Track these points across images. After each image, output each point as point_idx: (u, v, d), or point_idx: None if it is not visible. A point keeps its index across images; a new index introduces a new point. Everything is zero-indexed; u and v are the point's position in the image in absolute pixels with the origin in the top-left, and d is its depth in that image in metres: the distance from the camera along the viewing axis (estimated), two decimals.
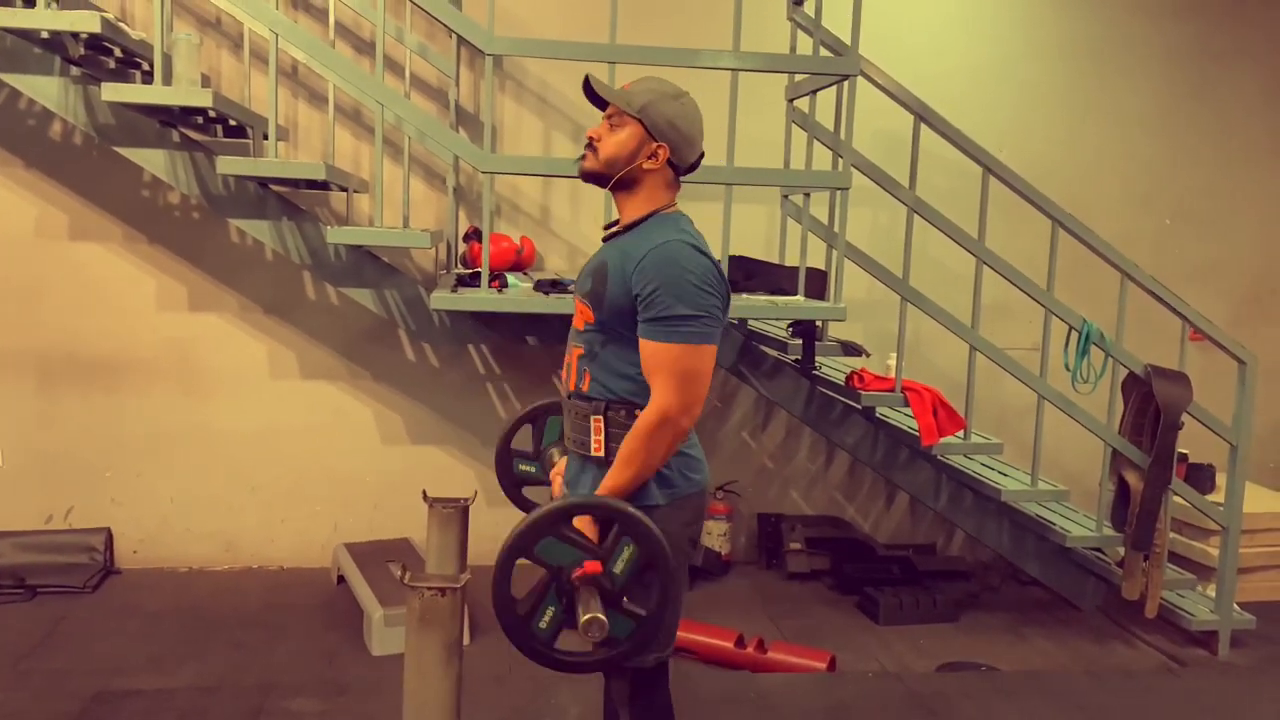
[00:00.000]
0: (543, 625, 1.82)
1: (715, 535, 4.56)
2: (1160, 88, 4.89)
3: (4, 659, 3.43)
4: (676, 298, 1.95)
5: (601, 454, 2.07)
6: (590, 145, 2.11)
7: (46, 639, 3.61)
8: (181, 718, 3.05)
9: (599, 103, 2.12)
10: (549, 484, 2.46)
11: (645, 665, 2.10)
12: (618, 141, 2.06)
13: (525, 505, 2.50)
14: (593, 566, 1.83)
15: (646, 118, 2.05)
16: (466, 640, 3.67)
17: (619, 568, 1.81)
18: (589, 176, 2.13)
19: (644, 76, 2.13)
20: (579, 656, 1.87)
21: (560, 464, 2.33)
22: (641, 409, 2.01)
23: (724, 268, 3.49)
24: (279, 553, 4.46)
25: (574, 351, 2.16)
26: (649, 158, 2.07)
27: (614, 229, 2.15)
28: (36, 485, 4.28)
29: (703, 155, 2.15)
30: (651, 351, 1.97)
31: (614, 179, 2.09)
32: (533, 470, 2.58)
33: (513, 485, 2.59)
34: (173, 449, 4.34)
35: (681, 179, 2.15)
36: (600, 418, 2.07)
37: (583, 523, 1.94)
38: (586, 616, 1.76)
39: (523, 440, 2.60)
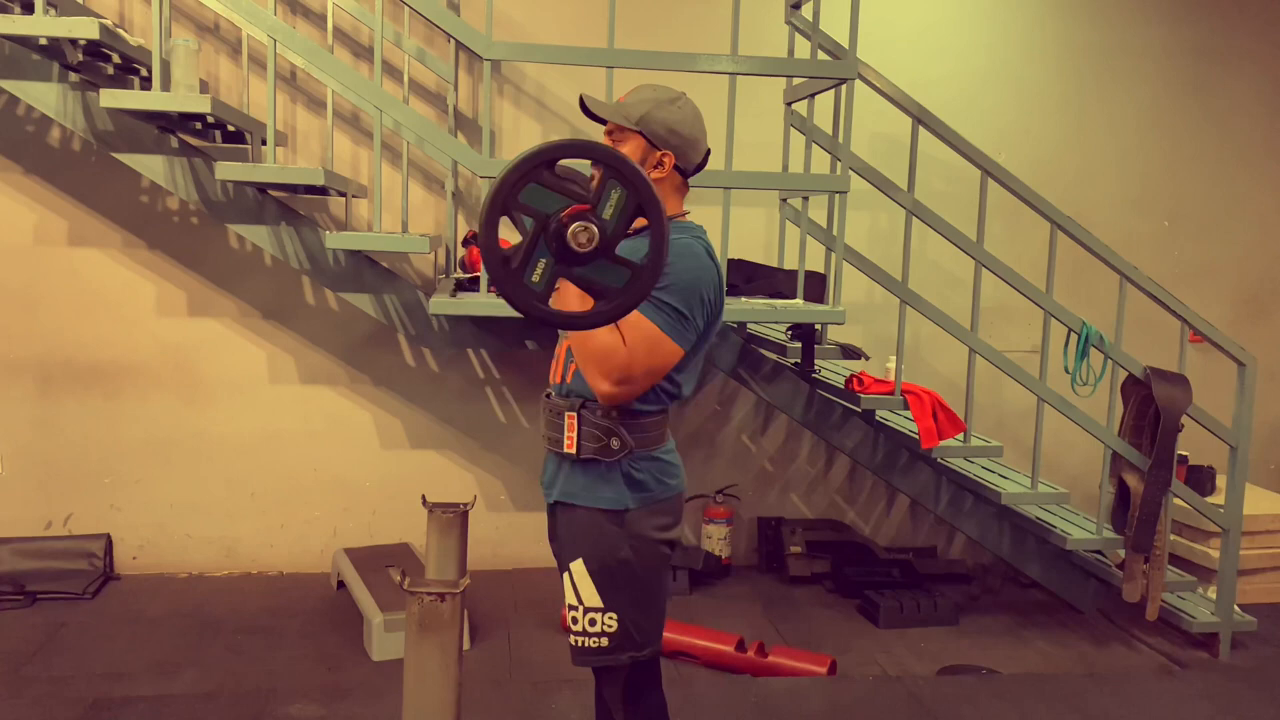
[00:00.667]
0: (535, 278, 1.72)
1: (715, 539, 4.56)
2: (1158, 90, 4.90)
3: (3, 665, 3.43)
4: (676, 289, 1.96)
5: (573, 451, 2.07)
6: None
7: (46, 645, 3.60)
8: None
9: (598, 120, 2.12)
10: (528, 246, 2.37)
11: (621, 664, 2.09)
12: None
13: (491, 242, 2.34)
14: (581, 207, 1.72)
15: (646, 128, 2.05)
16: (466, 645, 3.67)
17: (608, 212, 1.71)
18: None
19: (638, 85, 2.13)
20: (575, 316, 1.78)
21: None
22: (620, 409, 2.02)
23: (722, 270, 3.51)
24: (278, 558, 4.46)
25: (564, 344, 2.16)
26: (655, 167, 2.06)
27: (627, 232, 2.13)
28: (36, 491, 4.27)
29: (709, 153, 2.15)
30: (634, 317, 1.92)
31: None
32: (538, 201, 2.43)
33: (499, 208, 2.39)
34: (172, 455, 4.34)
35: (690, 180, 2.15)
36: (574, 414, 2.07)
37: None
38: (575, 225, 1.67)
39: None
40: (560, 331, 2.17)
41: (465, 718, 2.26)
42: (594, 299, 1.75)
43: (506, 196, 1.70)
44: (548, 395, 2.17)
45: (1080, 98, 4.85)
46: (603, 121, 2.12)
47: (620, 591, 2.07)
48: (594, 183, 1.72)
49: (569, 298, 1.88)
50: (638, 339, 1.95)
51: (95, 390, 4.27)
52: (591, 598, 2.07)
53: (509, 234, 1.78)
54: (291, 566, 4.46)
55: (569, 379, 2.11)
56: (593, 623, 2.07)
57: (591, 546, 2.07)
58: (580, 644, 2.09)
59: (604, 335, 1.94)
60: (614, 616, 2.06)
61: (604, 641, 2.07)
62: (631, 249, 1.99)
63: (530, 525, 4.60)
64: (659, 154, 2.06)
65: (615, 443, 2.05)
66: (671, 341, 1.98)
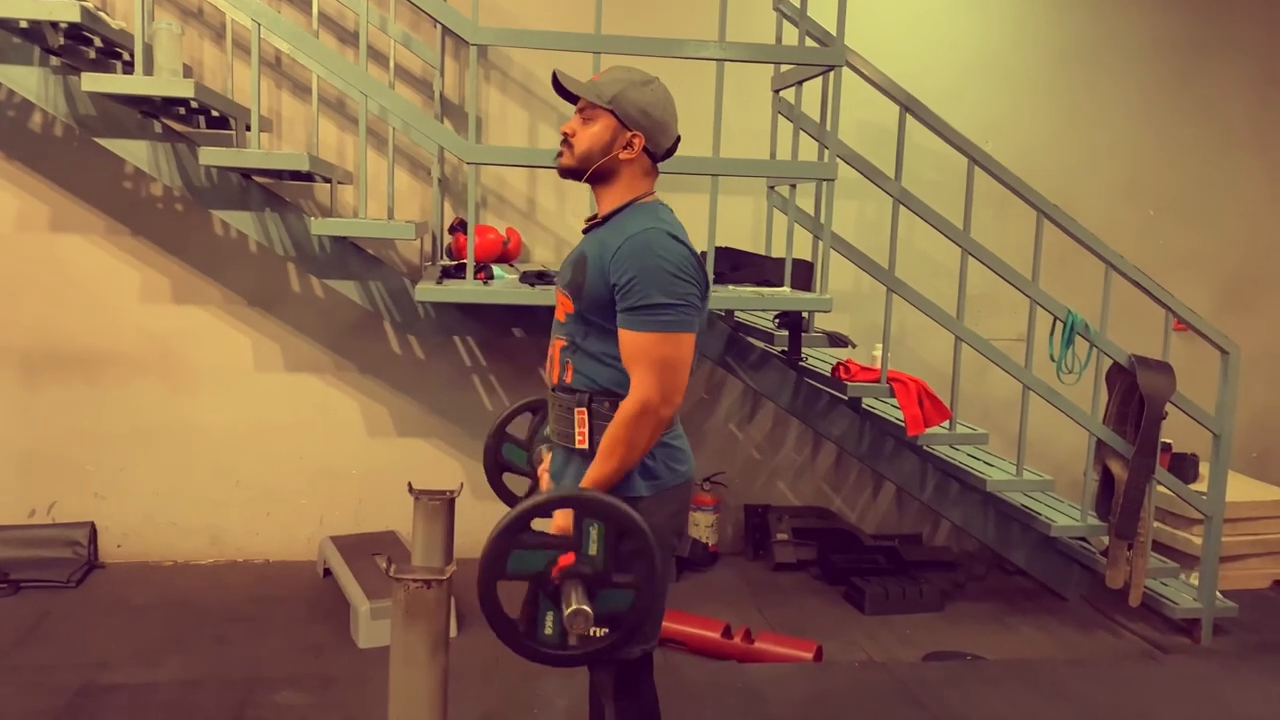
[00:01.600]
0: (548, 633, 1.83)
1: (702, 526, 4.57)
2: (1145, 79, 4.91)
3: None
4: (653, 286, 1.94)
5: (585, 446, 2.07)
6: (566, 141, 2.10)
7: (30, 634, 3.59)
8: (167, 712, 3.03)
9: (570, 97, 2.11)
10: (532, 477, 2.46)
11: (631, 656, 2.10)
12: (591, 134, 2.06)
13: (504, 493, 2.51)
14: (566, 559, 1.83)
15: (618, 108, 2.04)
16: (453, 632, 3.67)
17: (593, 549, 1.81)
18: (566, 173, 2.12)
19: (612, 66, 2.12)
20: (596, 644, 1.86)
21: (548, 459, 2.32)
22: (624, 399, 2.01)
23: (710, 258, 3.51)
24: (264, 546, 4.45)
25: (556, 344, 2.16)
26: (624, 148, 2.06)
27: (594, 221, 2.14)
28: (19, 480, 4.25)
29: (679, 140, 2.14)
30: (630, 341, 1.97)
31: (590, 172, 2.08)
32: (520, 459, 2.56)
33: (496, 469, 2.56)
34: (156, 443, 4.31)
35: (660, 165, 2.14)
36: (584, 410, 2.07)
37: (562, 517, 1.94)
38: (569, 610, 1.76)
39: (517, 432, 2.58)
40: (554, 329, 2.19)
41: (452, 705, 2.26)
42: (610, 628, 1.87)
43: (495, 574, 1.81)
44: (552, 391, 2.17)
45: (1069, 87, 4.85)
46: (574, 99, 2.11)
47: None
48: (559, 526, 1.86)
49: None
50: (652, 362, 1.96)
51: (79, 378, 4.24)
52: None
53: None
54: (278, 555, 4.45)
55: (569, 378, 2.11)
56: None
57: None
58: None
59: (631, 404, 1.96)
60: None
61: (604, 629, 2.05)
62: (598, 241, 2.04)
63: None
64: (629, 134, 2.05)
65: None
66: (678, 334, 1.97)
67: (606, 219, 2.09)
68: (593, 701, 2.35)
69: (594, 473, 1.98)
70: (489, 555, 1.78)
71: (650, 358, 1.96)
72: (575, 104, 2.11)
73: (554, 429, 2.17)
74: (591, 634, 1.87)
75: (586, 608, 1.77)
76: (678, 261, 1.97)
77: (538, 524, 1.88)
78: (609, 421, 2.02)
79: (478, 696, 3.19)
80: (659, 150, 2.10)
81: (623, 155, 2.06)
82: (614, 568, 1.84)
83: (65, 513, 4.29)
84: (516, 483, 2.57)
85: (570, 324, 2.10)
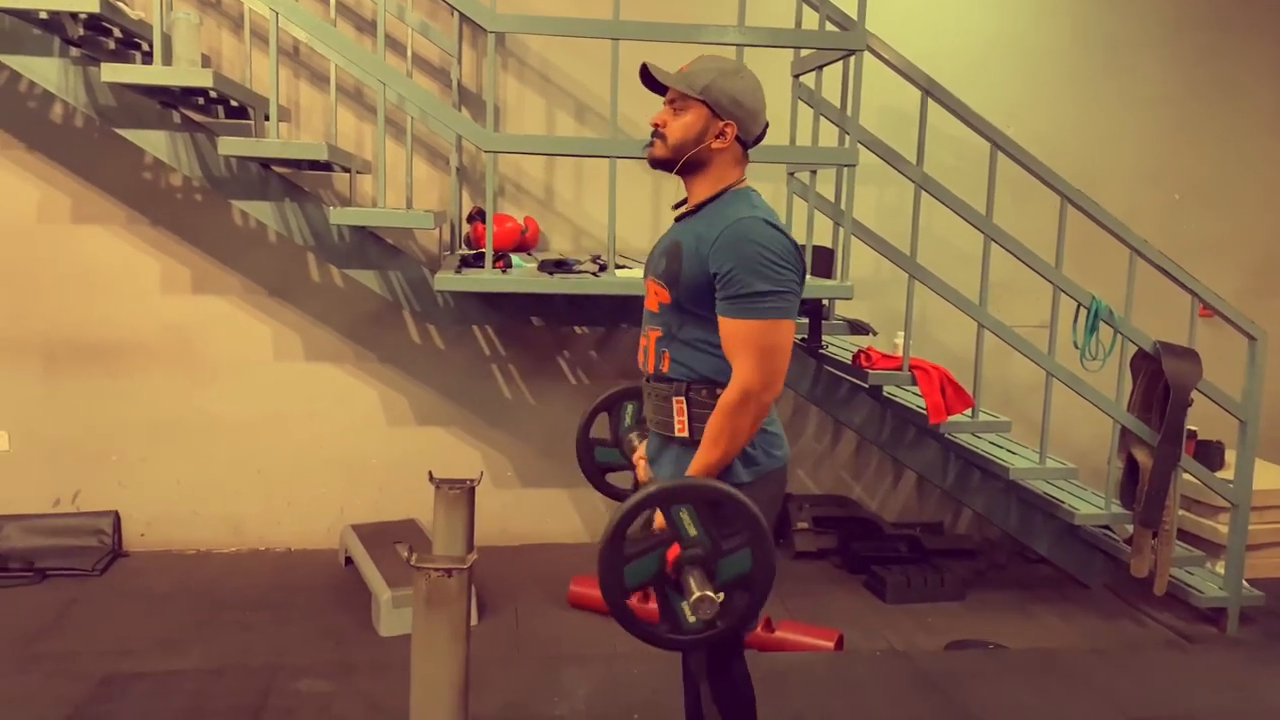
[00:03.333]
0: (692, 622, 1.84)
1: None
2: (1169, 60, 4.84)
3: (14, 641, 3.44)
4: (754, 274, 1.95)
5: (685, 434, 2.09)
6: (656, 133, 2.10)
7: (56, 621, 3.62)
8: (190, 699, 3.05)
9: (656, 88, 2.11)
10: (632, 468, 2.47)
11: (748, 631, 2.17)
12: (684, 125, 2.06)
13: (612, 492, 2.52)
14: (673, 552, 1.85)
15: (710, 97, 2.04)
16: (474, 621, 3.68)
17: (692, 531, 1.83)
18: (658, 164, 2.13)
19: (700, 56, 2.12)
20: (739, 610, 1.88)
21: (641, 447, 2.36)
22: (723, 387, 2.02)
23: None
24: (285, 535, 4.47)
25: (651, 334, 2.16)
26: (717, 137, 2.06)
27: (683, 209, 2.15)
28: (44, 469, 4.28)
29: (768, 125, 2.14)
30: (731, 329, 1.98)
31: (682, 162, 2.08)
32: (613, 457, 2.57)
33: (597, 474, 2.59)
34: (178, 432, 4.34)
35: (749, 152, 2.14)
36: (682, 399, 2.09)
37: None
38: (693, 599, 1.79)
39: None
40: (646, 320, 2.20)
41: (472, 693, 2.26)
42: (738, 598, 1.87)
43: (620, 594, 1.84)
44: (647, 380, 2.19)
45: (1091, 70, 4.79)
46: (661, 91, 2.11)
47: None
48: (659, 524, 1.88)
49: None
50: (755, 349, 1.97)
51: (100, 368, 4.27)
52: None
53: None
54: (299, 543, 4.47)
55: (665, 368, 2.12)
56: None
57: None
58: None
59: (733, 392, 1.97)
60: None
61: (760, 611, 2.09)
62: (694, 230, 2.05)
63: (537, 502, 4.60)
64: (721, 124, 2.06)
65: None
66: (780, 321, 1.99)
67: (699, 208, 2.10)
68: (686, 686, 2.37)
69: (699, 462, 2.00)
70: (606, 580, 1.82)
71: (752, 345, 1.97)
72: (662, 94, 2.12)
73: (651, 418, 2.19)
74: (727, 603, 1.89)
75: (708, 592, 1.79)
76: (777, 249, 1.98)
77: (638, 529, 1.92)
78: (707, 409, 2.04)
79: (498, 684, 3.20)
80: (750, 138, 2.11)
81: (715, 144, 2.06)
82: (720, 537, 1.85)
83: (90, 502, 4.32)
84: (620, 480, 2.60)
85: (666, 314, 2.11)
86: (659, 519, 1.95)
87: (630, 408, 2.55)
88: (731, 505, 1.85)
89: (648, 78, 2.09)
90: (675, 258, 2.06)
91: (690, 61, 2.11)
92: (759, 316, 1.96)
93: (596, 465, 2.58)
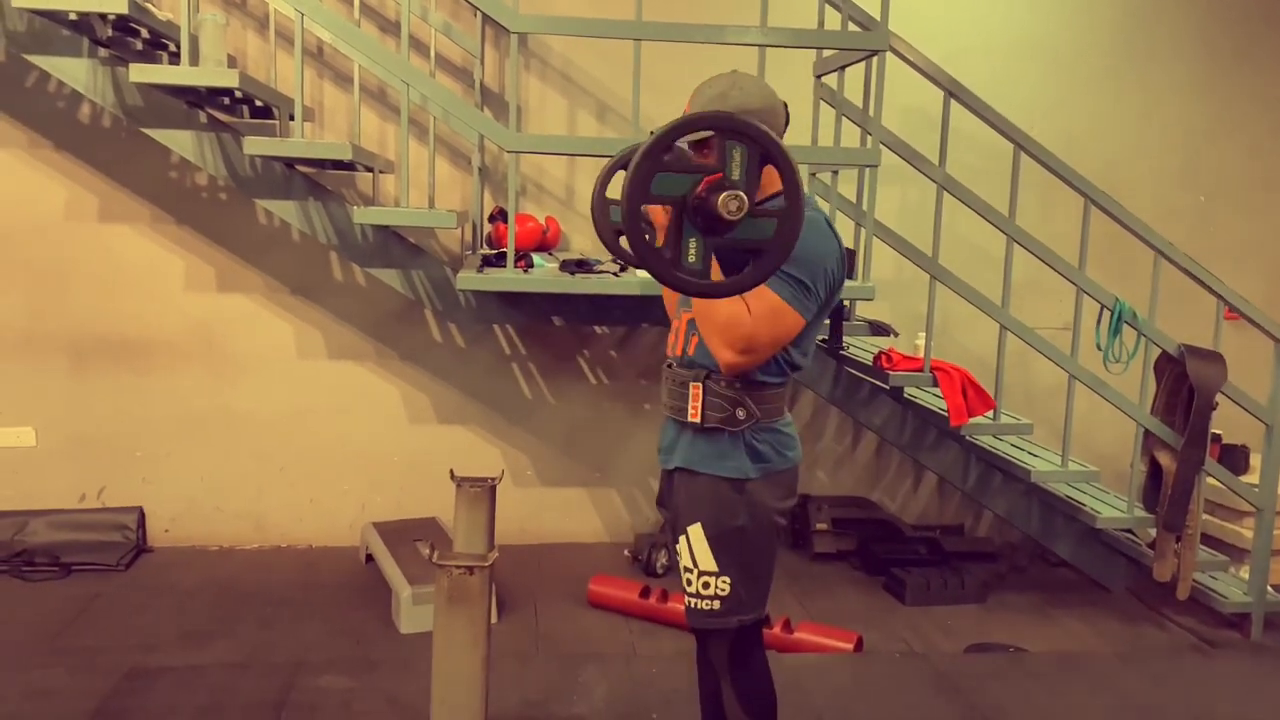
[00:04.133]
0: (691, 259, 1.78)
1: None
2: (1196, 61, 4.80)
3: (39, 636, 3.48)
4: (801, 261, 1.97)
5: (698, 419, 2.12)
6: None
7: (80, 616, 3.66)
8: (213, 694, 3.08)
9: None
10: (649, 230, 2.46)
11: (729, 626, 2.15)
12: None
13: (623, 254, 2.43)
14: (712, 178, 1.77)
15: None
16: (494, 619, 3.68)
17: (735, 172, 1.76)
18: None
19: (692, 93, 2.13)
20: (741, 280, 1.82)
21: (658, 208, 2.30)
22: (741, 381, 2.06)
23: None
24: (307, 532, 4.50)
25: (684, 316, 2.19)
26: None
27: None
28: (69, 465, 4.33)
29: (787, 106, 2.15)
30: (757, 291, 1.96)
31: None
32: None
33: (611, 235, 2.48)
34: (202, 429, 4.38)
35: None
36: (699, 385, 2.12)
37: (664, 212, 1.90)
38: (723, 195, 1.71)
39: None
40: (680, 303, 2.21)
41: (492, 691, 2.28)
42: (742, 262, 1.80)
43: (639, 196, 1.74)
44: (669, 365, 2.22)
45: (1116, 69, 4.76)
46: None
47: (734, 557, 2.12)
48: (711, 152, 1.77)
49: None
50: (762, 309, 1.99)
51: (126, 365, 4.31)
52: (707, 561, 2.13)
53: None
54: (320, 540, 4.50)
55: (691, 351, 2.15)
56: (706, 585, 2.13)
57: (711, 513, 2.12)
58: (694, 605, 2.16)
59: (729, 305, 1.98)
60: (727, 580, 2.12)
61: (716, 605, 2.13)
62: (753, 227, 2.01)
63: (557, 501, 4.61)
64: None
65: (741, 413, 2.10)
66: (794, 312, 2.02)
67: (761, 202, 2.09)
68: (702, 681, 2.39)
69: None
70: (634, 178, 1.73)
71: (761, 305, 1.98)
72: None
73: (666, 402, 2.22)
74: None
75: (742, 193, 1.72)
76: (831, 254, 2.04)
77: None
78: (722, 399, 2.09)
79: (517, 682, 3.21)
80: (779, 130, 2.13)
81: None
82: (755, 192, 1.78)
83: (114, 497, 4.37)
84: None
85: None
86: (660, 216, 1.93)
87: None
88: (781, 168, 1.77)
89: None
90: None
91: (688, 102, 2.13)
92: (782, 294, 1.99)
93: (611, 225, 2.52)
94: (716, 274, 1.87)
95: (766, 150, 1.75)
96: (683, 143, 2.03)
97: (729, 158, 1.75)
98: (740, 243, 1.78)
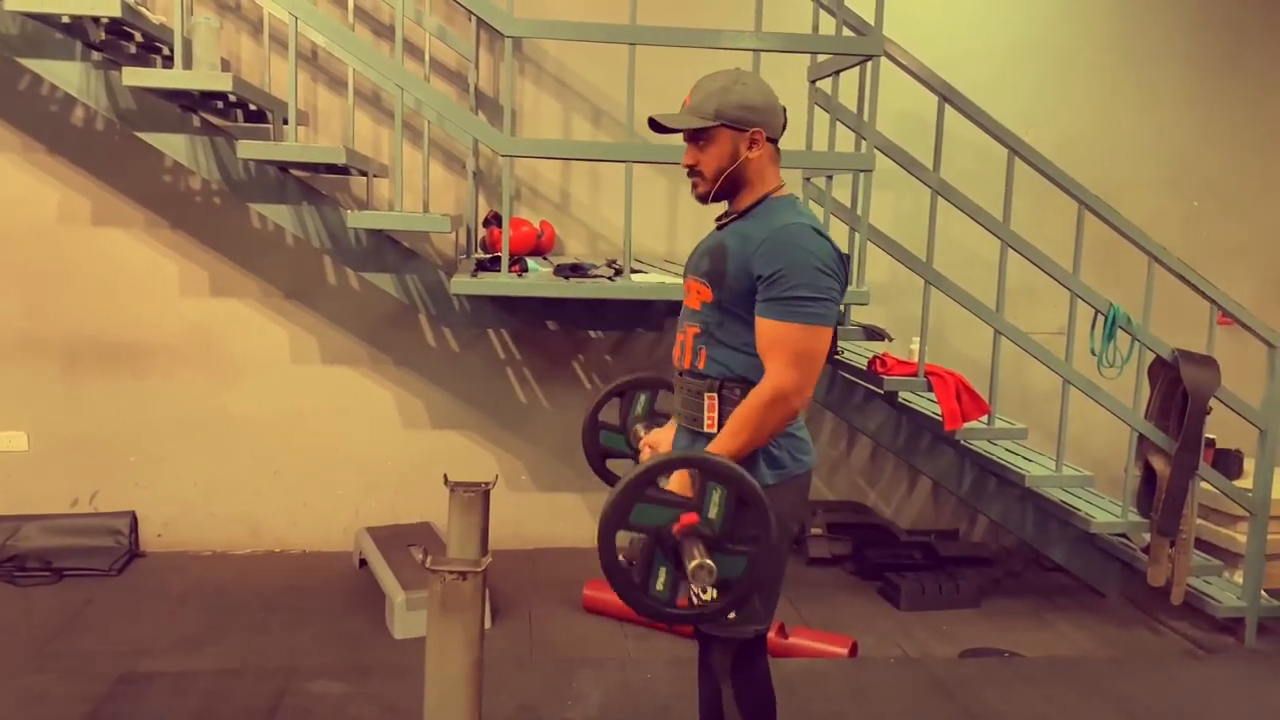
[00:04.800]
0: (659, 589, 1.85)
1: None
2: (1189, 66, 4.81)
3: (31, 641, 3.47)
4: (799, 279, 1.98)
5: (714, 429, 2.11)
6: (693, 172, 2.14)
7: (73, 621, 3.64)
8: (206, 699, 3.07)
9: (671, 131, 2.14)
10: (634, 457, 2.50)
11: (745, 636, 2.15)
12: (715, 154, 2.09)
13: (609, 478, 2.52)
14: (689, 518, 1.84)
15: (725, 118, 2.07)
16: (488, 624, 3.68)
17: (713, 512, 1.83)
18: (708, 199, 2.16)
19: (693, 86, 2.14)
20: (702, 607, 1.87)
21: (649, 436, 2.38)
22: (758, 384, 2.06)
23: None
24: (301, 536, 4.49)
25: (689, 330, 2.19)
26: (749, 147, 2.09)
27: (728, 216, 2.18)
28: (62, 469, 4.31)
29: (785, 111, 2.16)
30: (769, 329, 2.01)
31: (729, 184, 2.12)
32: (618, 444, 2.57)
33: (597, 457, 2.59)
34: (196, 433, 4.36)
35: (779, 146, 2.17)
36: (714, 395, 2.12)
37: (677, 481, 1.98)
38: (694, 564, 1.78)
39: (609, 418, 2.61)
40: (683, 318, 2.22)
41: (486, 696, 2.26)
42: (719, 593, 1.86)
43: (616, 523, 1.83)
44: (680, 375, 2.22)
45: (1110, 75, 4.77)
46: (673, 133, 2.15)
47: None
48: (694, 488, 1.88)
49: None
50: (791, 352, 1.99)
51: (120, 369, 4.30)
52: None
53: None
54: (314, 545, 4.49)
55: (701, 365, 2.14)
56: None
57: None
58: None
59: (765, 390, 1.99)
60: None
61: (731, 614, 2.09)
62: (740, 233, 2.08)
63: (551, 505, 4.60)
64: (748, 134, 2.08)
65: None
66: (819, 328, 2.02)
67: (744, 213, 2.13)
68: (702, 685, 2.38)
69: (717, 446, 2.01)
70: (614, 504, 1.81)
71: (789, 348, 1.99)
72: (681, 134, 2.15)
73: (681, 412, 2.22)
74: (701, 598, 1.89)
75: (710, 562, 1.79)
76: (824, 257, 2.02)
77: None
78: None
79: (512, 688, 3.20)
80: (777, 133, 2.14)
81: (750, 155, 2.09)
82: (731, 533, 1.86)
83: (107, 502, 4.35)
84: (619, 470, 2.56)
85: (705, 312, 2.13)
86: (675, 483, 1.97)
87: (644, 398, 2.56)
88: (756, 512, 1.85)
89: (658, 127, 2.12)
90: (719, 258, 2.09)
91: (689, 93, 2.14)
92: (799, 320, 1.99)
93: (599, 448, 2.58)
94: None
95: (743, 495, 1.84)
96: (682, 122, 2.09)
97: (708, 497, 1.84)
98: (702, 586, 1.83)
